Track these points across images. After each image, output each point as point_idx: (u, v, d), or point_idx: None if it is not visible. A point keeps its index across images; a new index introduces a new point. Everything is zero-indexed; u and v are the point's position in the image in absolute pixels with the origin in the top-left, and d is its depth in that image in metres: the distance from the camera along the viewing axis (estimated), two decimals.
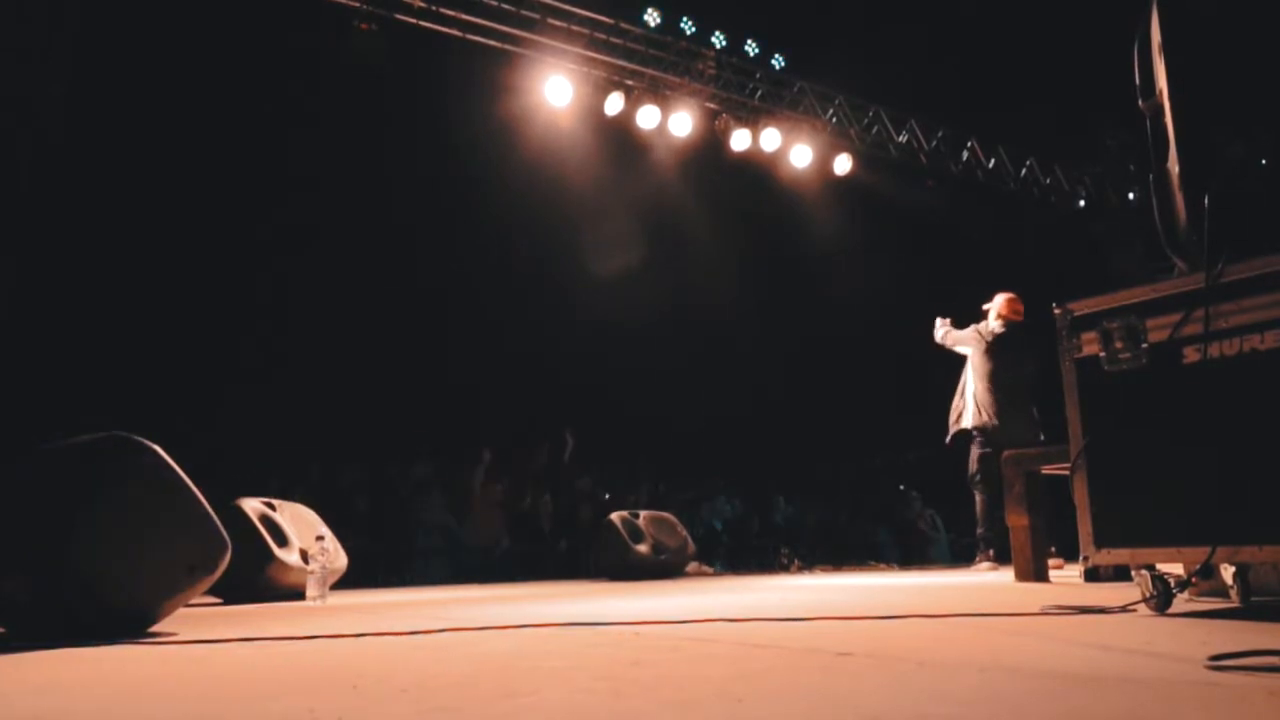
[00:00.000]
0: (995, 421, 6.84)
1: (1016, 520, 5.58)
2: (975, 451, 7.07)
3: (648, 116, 10.19)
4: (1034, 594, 4.13)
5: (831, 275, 13.25)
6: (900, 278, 12.87)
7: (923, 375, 12.40)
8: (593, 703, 1.49)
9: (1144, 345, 2.88)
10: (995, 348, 7.04)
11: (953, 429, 7.26)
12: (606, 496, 11.13)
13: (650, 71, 10.25)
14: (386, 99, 9.97)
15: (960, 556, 12.66)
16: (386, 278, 10.65)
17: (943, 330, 7.47)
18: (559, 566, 9.97)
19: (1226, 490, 2.63)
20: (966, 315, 7.54)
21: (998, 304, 7.24)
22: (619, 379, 12.06)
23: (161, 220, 9.14)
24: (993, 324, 7.16)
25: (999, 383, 6.93)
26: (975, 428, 7.02)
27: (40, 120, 7.79)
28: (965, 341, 7.24)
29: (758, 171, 11.51)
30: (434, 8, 9.03)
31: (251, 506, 5.45)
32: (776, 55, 11.17)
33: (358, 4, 8.68)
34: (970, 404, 7.09)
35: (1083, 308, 3.08)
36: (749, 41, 10.96)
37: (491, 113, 10.17)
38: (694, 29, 10.47)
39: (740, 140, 10.90)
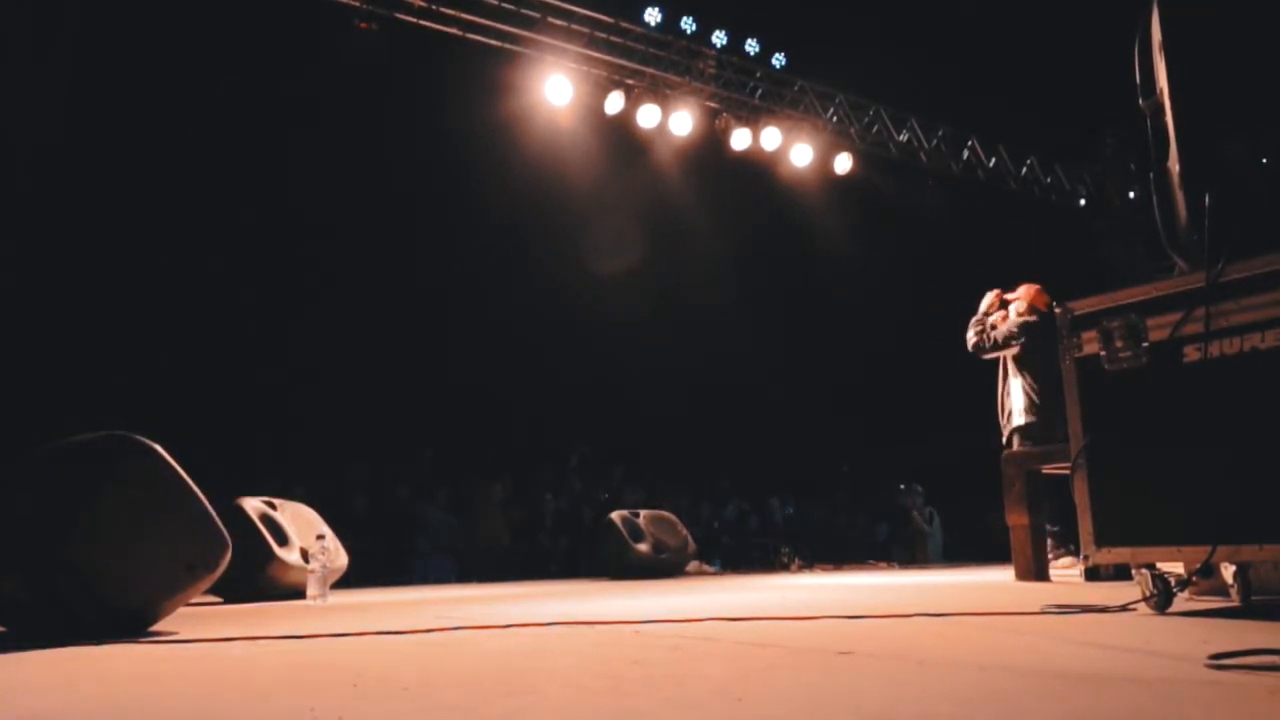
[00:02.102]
0: (1038, 419, 6.16)
1: (1017, 519, 5.58)
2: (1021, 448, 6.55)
3: (648, 115, 10.18)
4: (1034, 593, 4.13)
5: (832, 274, 13.25)
6: (900, 277, 12.88)
7: (924, 374, 12.43)
8: (593, 701, 1.49)
9: (1144, 344, 2.88)
10: (1034, 338, 6.25)
11: (1006, 430, 6.41)
12: (605, 496, 11.13)
13: (650, 70, 10.25)
14: (386, 98, 9.97)
15: (952, 556, 12.66)
16: (387, 276, 10.66)
17: (975, 333, 6.44)
18: (560, 565, 9.97)
19: (1227, 489, 2.63)
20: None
21: (1028, 294, 6.47)
22: (618, 377, 12.06)
23: (163, 219, 9.14)
24: (1027, 315, 6.36)
25: (1041, 377, 6.17)
26: (1024, 425, 6.26)
27: (40, 118, 7.79)
28: (1014, 334, 6.31)
29: (758, 171, 11.50)
30: (434, 7, 9.02)
31: (252, 505, 5.45)
32: (777, 54, 11.16)
33: (358, 3, 8.67)
34: (1019, 400, 6.34)
35: (1083, 307, 3.08)
36: (749, 40, 10.94)
37: (492, 112, 10.17)
38: (694, 28, 10.46)
39: (740, 139, 10.89)
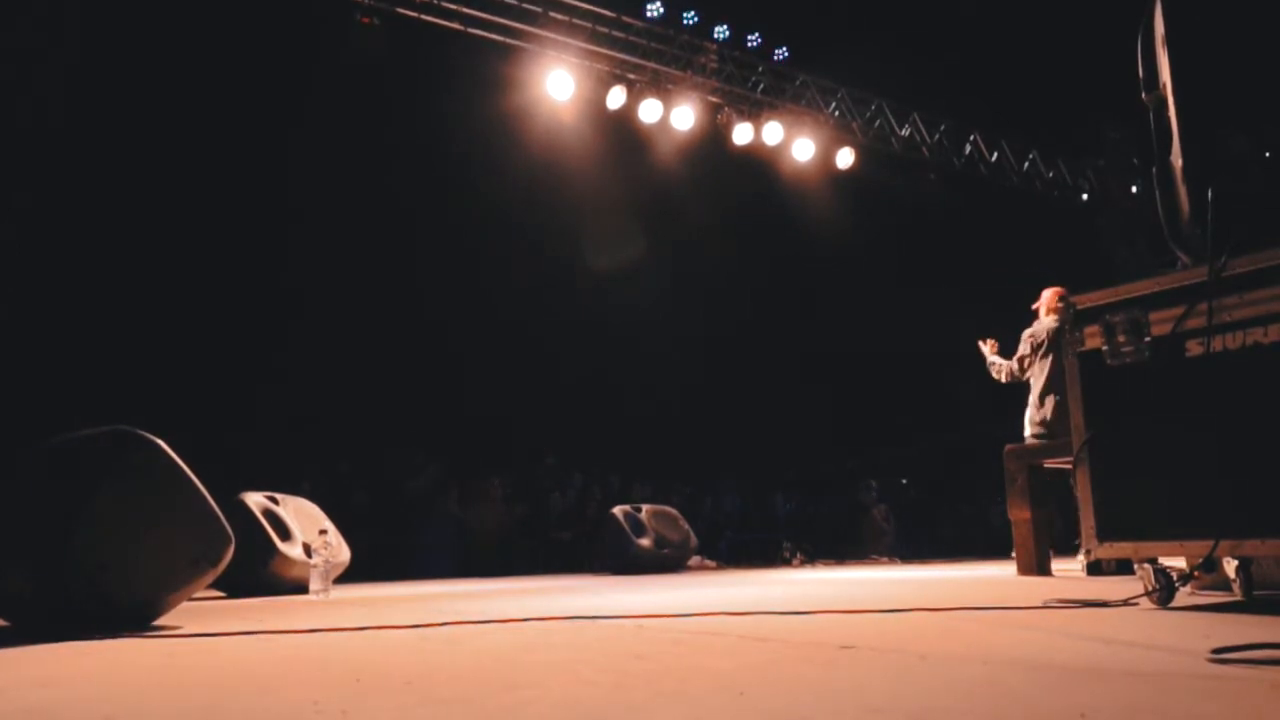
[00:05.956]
0: (1054, 423, 5.98)
1: (1019, 514, 5.58)
2: None
3: (650, 110, 10.17)
4: (1036, 588, 4.14)
5: (833, 269, 13.23)
6: (902, 272, 12.86)
7: (923, 371, 12.43)
8: (595, 695, 1.49)
9: (1147, 339, 2.88)
10: (1057, 344, 6.07)
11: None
12: (601, 494, 11.12)
13: (652, 65, 10.23)
14: (388, 93, 9.96)
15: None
16: (388, 271, 10.65)
17: (1001, 367, 6.52)
18: (562, 560, 9.98)
19: (1229, 484, 2.63)
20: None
21: (1048, 299, 6.39)
22: (620, 372, 12.06)
23: (165, 214, 9.13)
24: (1047, 321, 6.30)
25: (1058, 379, 5.93)
26: (1035, 435, 6.14)
27: (42, 113, 7.79)
28: (1034, 357, 6.32)
29: (760, 166, 11.48)
30: (436, 1, 9.01)
31: (255, 500, 5.46)
32: (779, 48, 11.14)
33: None
34: (1033, 409, 6.24)
35: (1086, 301, 3.08)
36: (751, 35, 10.93)
37: (493, 107, 10.15)
38: (696, 22, 10.44)
39: (742, 134, 10.87)
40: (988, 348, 6.72)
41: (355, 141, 9.94)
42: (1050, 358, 6.17)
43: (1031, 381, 6.32)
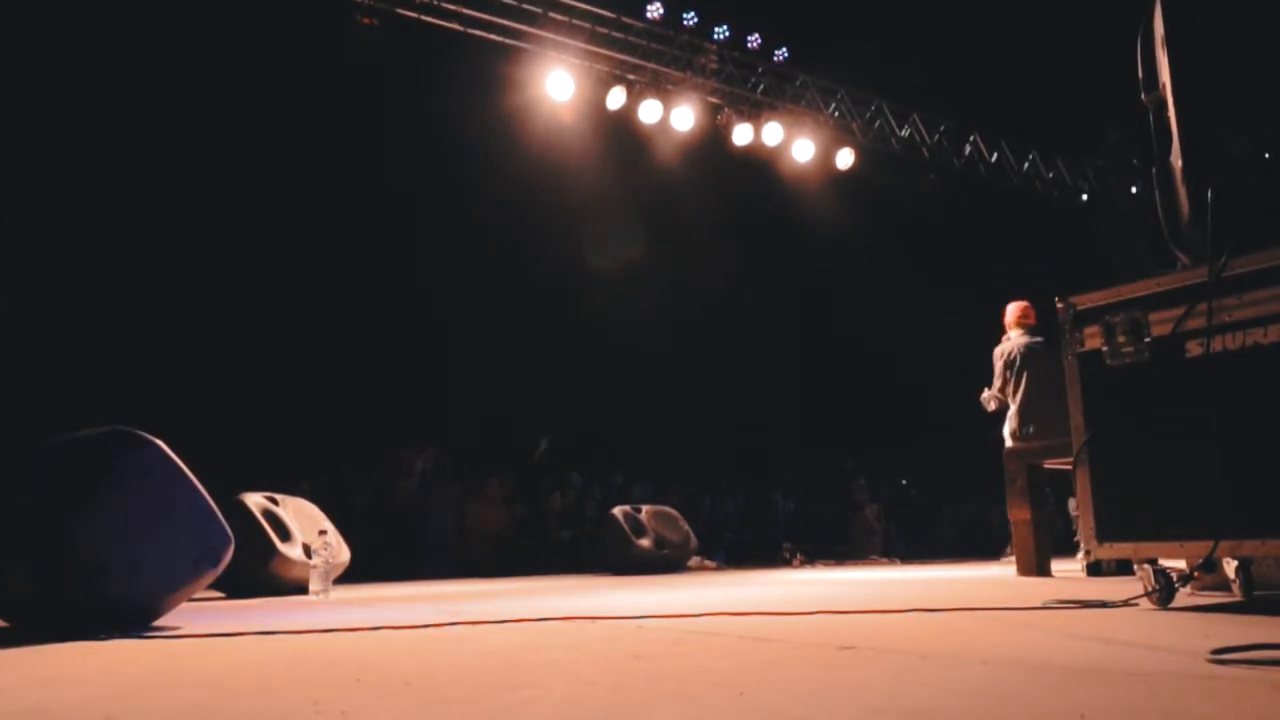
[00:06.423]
0: (1031, 431, 6.07)
1: (1018, 514, 5.59)
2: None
3: (649, 111, 10.16)
4: (1036, 588, 4.14)
5: (833, 269, 13.24)
6: (902, 272, 12.87)
7: (923, 371, 12.43)
8: (595, 695, 1.49)
9: (1146, 339, 2.88)
10: (1030, 359, 6.25)
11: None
12: (601, 494, 11.11)
13: (652, 65, 10.23)
14: (387, 94, 9.96)
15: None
16: (388, 271, 10.65)
17: (988, 399, 6.62)
18: (562, 560, 9.98)
19: (1229, 484, 2.63)
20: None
21: (1014, 315, 6.50)
22: (619, 371, 12.06)
23: (164, 215, 9.13)
24: (1014, 337, 6.41)
25: (1034, 394, 6.12)
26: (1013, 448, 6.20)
27: (40, 114, 7.79)
28: (1010, 374, 6.37)
29: (760, 166, 11.48)
30: (436, 2, 9.01)
31: (255, 501, 5.46)
32: (779, 49, 11.14)
33: None
34: (1009, 421, 6.35)
35: (1085, 302, 3.08)
36: (751, 35, 10.92)
37: (493, 107, 10.15)
38: (696, 22, 10.44)
39: (742, 135, 10.86)
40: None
41: (356, 141, 9.94)
42: (1026, 374, 6.21)
43: (1009, 400, 6.34)
